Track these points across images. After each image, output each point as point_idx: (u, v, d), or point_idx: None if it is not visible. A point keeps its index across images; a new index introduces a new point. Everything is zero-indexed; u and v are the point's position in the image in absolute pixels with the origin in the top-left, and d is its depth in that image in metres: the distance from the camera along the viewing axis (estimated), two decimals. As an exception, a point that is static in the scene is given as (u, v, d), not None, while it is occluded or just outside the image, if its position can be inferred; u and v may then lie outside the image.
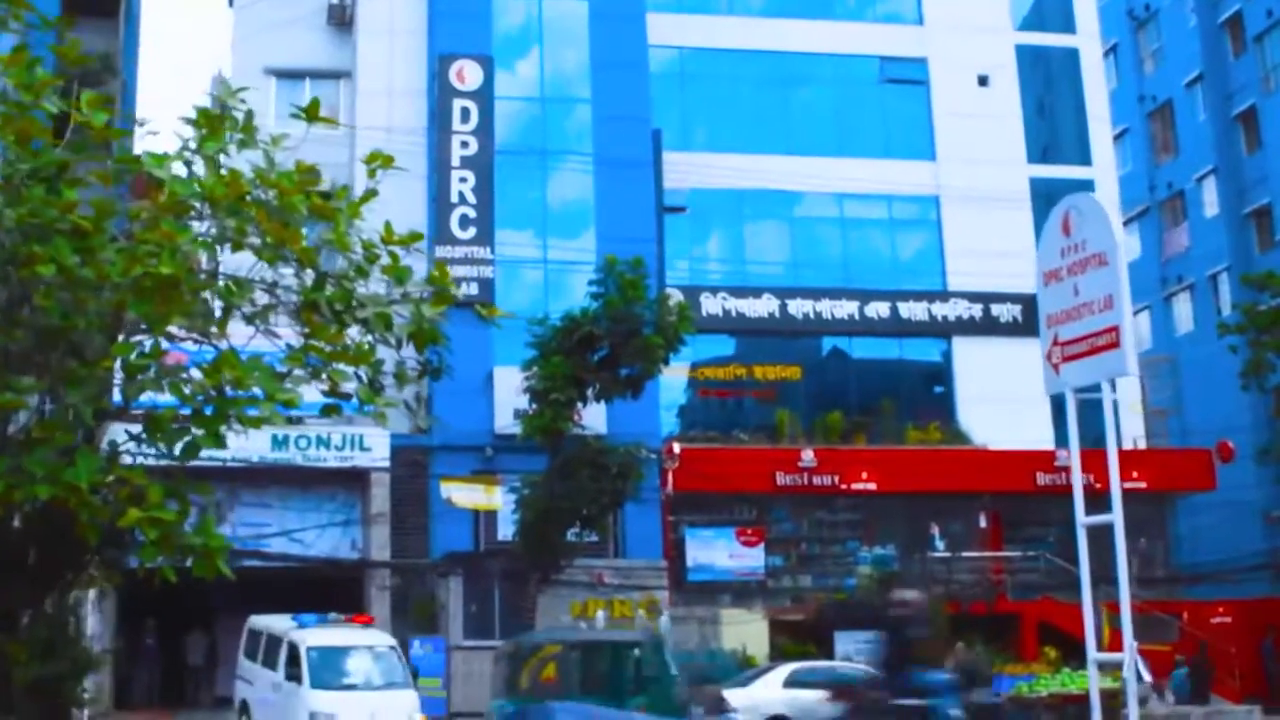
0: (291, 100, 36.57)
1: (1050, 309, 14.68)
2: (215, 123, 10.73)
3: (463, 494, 29.73)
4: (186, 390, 10.20)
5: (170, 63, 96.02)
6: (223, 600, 35.20)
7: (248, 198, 10.98)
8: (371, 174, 12.84)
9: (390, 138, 34.55)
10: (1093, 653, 14.62)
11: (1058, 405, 37.57)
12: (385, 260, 11.69)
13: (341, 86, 36.88)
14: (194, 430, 10.30)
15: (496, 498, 30.45)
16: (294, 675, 23.75)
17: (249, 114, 11.18)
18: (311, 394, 11.52)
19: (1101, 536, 37.69)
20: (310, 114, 11.97)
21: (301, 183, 11.57)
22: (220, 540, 10.34)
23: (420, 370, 12.69)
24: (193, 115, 10.71)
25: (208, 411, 10.22)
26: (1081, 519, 14.65)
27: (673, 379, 35.87)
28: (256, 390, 10.26)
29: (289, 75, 36.79)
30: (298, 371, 11.42)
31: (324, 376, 11.82)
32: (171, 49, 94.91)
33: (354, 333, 11.96)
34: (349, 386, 12.05)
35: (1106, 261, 14.02)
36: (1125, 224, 52.61)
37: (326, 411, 12.30)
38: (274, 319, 11.86)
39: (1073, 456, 14.84)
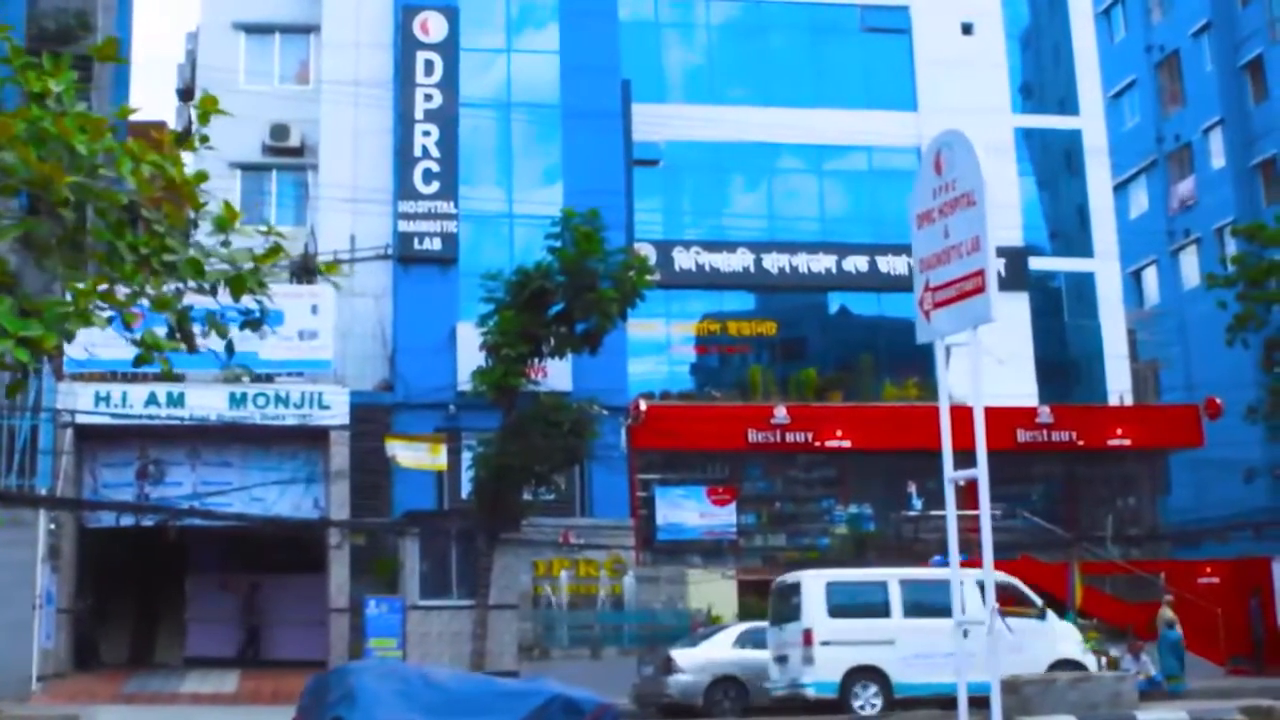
0: (261, 56, 36.43)
1: (922, 252, 14.01)
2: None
3: (408, 453, 29.26)
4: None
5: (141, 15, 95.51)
6: (192, 559, 35.18)
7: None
8: (203, 120, 12.22)
9: (357, 91, 34.12)
10: (958, 615, 13.94)
11: (1041, 361, 37.09)
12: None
13: (311, 40, 36.31)
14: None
15: (442, 457, 29.97)
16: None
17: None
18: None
19: (1085, 494, 37.00)
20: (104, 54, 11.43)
21: (88, 123, 10.91)
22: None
23: (247, 322, 12.00)
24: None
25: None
26: (949, 474, 13.98)
27: (653, 335, 35.41)
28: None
29: (258, 30, 36.29)
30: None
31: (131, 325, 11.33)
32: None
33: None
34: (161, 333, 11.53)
35: (974, 201, 13.31)
36: (1133, 177, 51.63)
37: (138, 361, 11.78)
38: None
39: (942, 410, 14.17)
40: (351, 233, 33.55)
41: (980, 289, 13.23)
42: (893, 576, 23.89)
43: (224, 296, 11.31)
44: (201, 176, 11.43)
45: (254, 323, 11.80)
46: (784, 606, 23.63)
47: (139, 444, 31.74)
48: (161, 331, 11.43)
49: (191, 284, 11.33)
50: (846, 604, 23.05)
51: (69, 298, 10.91)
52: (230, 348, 11.52)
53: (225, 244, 11.36)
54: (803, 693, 22.51)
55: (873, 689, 22.38)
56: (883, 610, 23.07)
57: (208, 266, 11.18)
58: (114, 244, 10.85)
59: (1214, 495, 40.97)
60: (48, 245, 11.04)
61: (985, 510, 13.31)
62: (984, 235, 13.23)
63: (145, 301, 11.24)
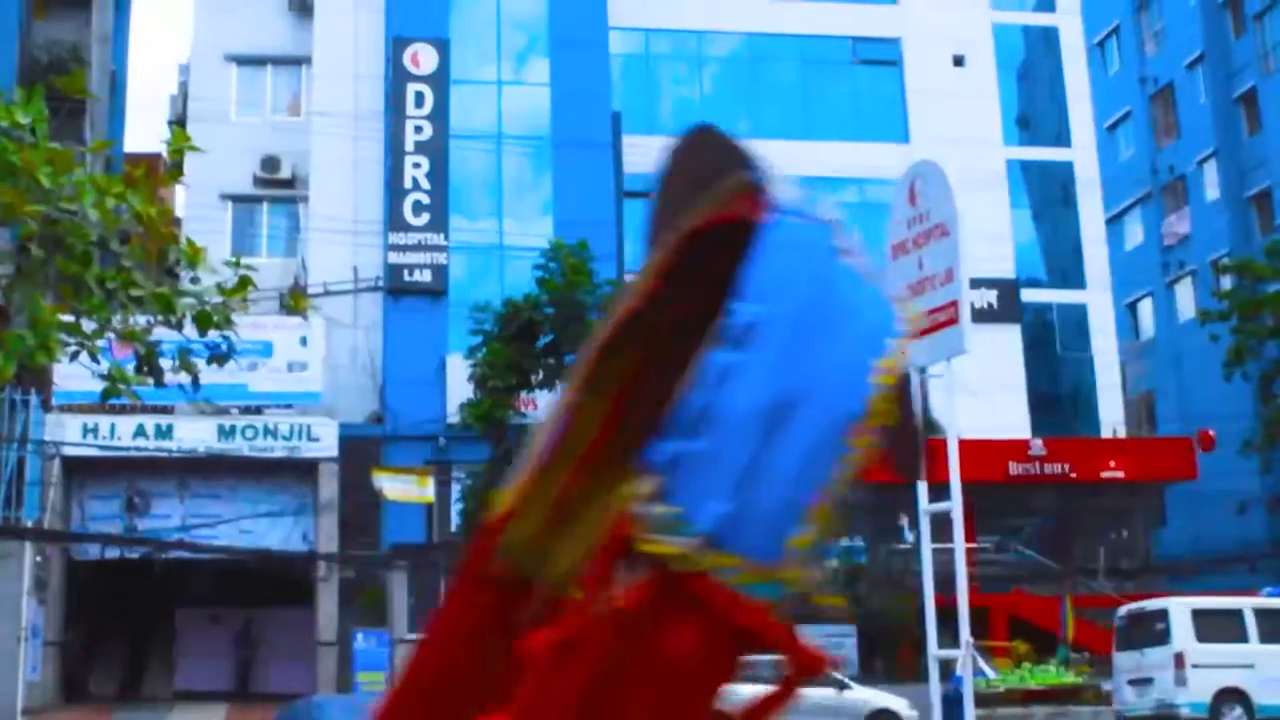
0: (252, 87, 36.48)
1: (897, 284, 13.89)
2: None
3: (395, 486, 29.12)
4: None
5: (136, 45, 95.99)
6: (181, 591, 35.03)
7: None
8: (174, 155, 12.27)
9: (347, 123, 34.15)
10: (933, 649, 13.79)
11: (1034, 393, 37.01)
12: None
13: (303, 72, 36.35)
14: None
15: (429, 490, 29.84)
16: None
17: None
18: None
19: (1078, 527, 36.69)
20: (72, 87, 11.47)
21: (55, 156, 10.94)
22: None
23: (213, 357, 11.96)
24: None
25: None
26: (924, 506, 13.83)
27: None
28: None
29: (249, 61, 36.33)
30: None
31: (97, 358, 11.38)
32: (136, 31, 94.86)
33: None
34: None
35: (948, 232, 13.24)
36: (1127, 209, 51.63)
37: (105, 395, 11.80)
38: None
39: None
40: (354, 264, 33.59)
41: (954, 320, 13.10)
42: (1247, 605, 25.37)
43: (191, 330, 11.31)
44: (166, 211, 11.43)
45: (220, 357, 11.78)
46: (1140, 632, 25.03)
47: (127, 476, 31.64)
48: (130, 365, 11.45)
49: (160, 318, 11.34)
50: (1210, 630, 24.41)
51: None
52: (196, 382, 11.51)
53: (194, 280, 11.36)
54: (1176, 713, 23.94)
55: (1238, 710, 23.88)
56: (1241, 635, 24.39)
57: (175, 301, 11.18)
58: (80, 277, 10.86)
59: (1210, 528, 40.76)
60: (12, 277, 11.04)
61: (959, 544, 13.15)
62: (958, 266, 13.14)
63: (112, 335, 11.26)
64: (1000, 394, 35.29)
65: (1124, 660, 25.25)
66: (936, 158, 14.61)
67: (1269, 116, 45.99)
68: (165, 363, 11.32)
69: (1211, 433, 35.18)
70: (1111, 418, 37.12)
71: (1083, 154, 39.11)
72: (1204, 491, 38.16)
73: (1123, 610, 26.25)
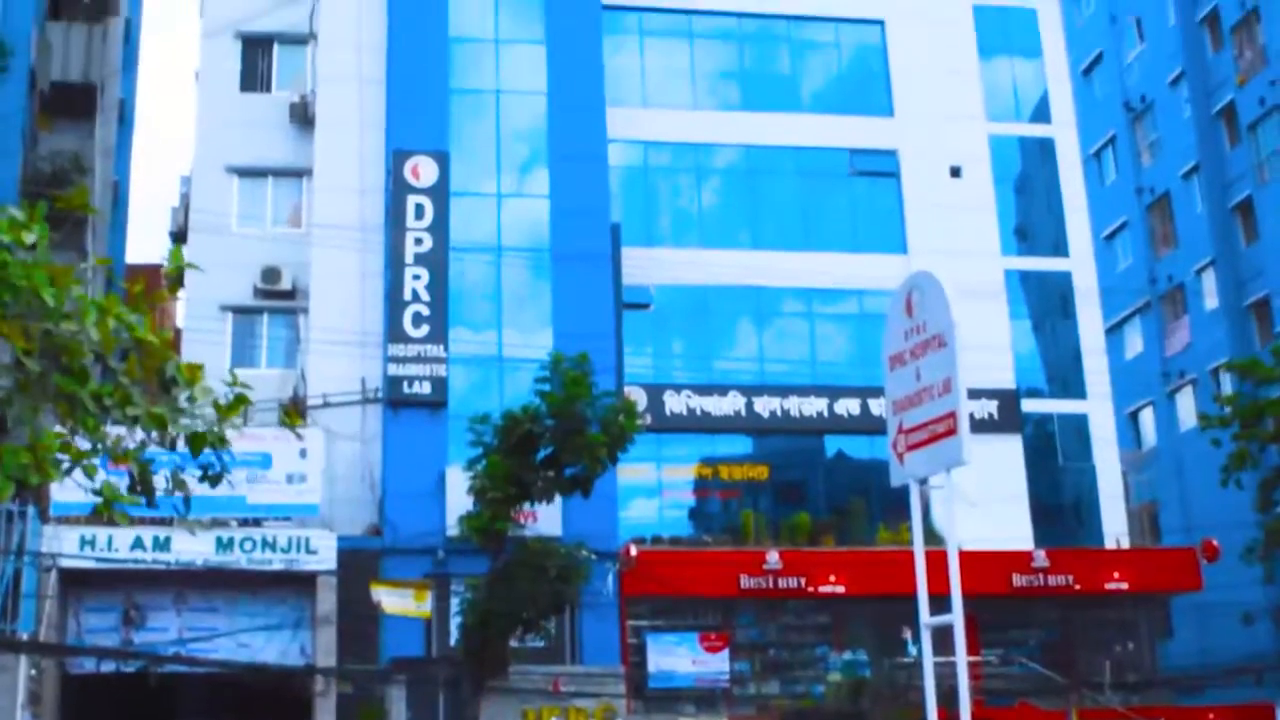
0: (253, 199, 36.69)
1: (895, 395, 13.89)
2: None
3: (393, 599, 28.89)
4: None
5: (139, 157, 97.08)
6: (178, 705, 34.66)
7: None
8: (173, 272, 12.37)
9: (349, 235, 34.33)
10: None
11: (1037, 504, 36.80)
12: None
13: (304, 183, 36.53)
14: None
15: (427, 604, 29.60)
16: None
17: None
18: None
19: (1083, 639, 36.42)
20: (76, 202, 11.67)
21: (56, 273, 10.99)
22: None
23: (206, 476, 11.91)
24: None
25: None
26: (925, 620, 13.69)
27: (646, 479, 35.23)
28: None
29: (251, 174, 36.52)
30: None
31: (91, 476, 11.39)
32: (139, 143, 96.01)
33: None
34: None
35: (945, 343, 13.24)
36: (1127, 318, 51.78)
37: (96, 511, 11.78)
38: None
39: (916, 554, 13.92)
40: (355, 376, 33.55)
41: (952, 431, 13.09)
42: None
43: (184, 448, 11.34)
44: (164, 338, 11.51)
45: (214, 477, 11.77)
46: None
47: (124, 588, 31.39)
48: (122, 483, 11.45)
49: (154, 437, 11.38)
50: None
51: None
52: (188, 502, 11.53)
53: (191, 399, 11.39)
54: None
55: None
56: None
57: (171, 420, 11.20)
58: (77, 393, 10.88)
59: (1217, 639, 40.43)
60: (10, 393, 11.04)
61: (962, 657, 13.01)
62: (955, 377, 13.14)
63: (105, 454, 11.29)
64: (1002, 505, 35.16)
65: None
66: (935, 268, 14.67)
67: (1265, 225, 46.26)
68: (159, 480, 11.32)
69: (1216, 543, 34.90)
70: (1115, 528, 36.89)
71: (1081, 264, 39.21)
72: (1210, 602, 37.86)
73: None
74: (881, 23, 39.82)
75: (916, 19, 39.74)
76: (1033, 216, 40.41)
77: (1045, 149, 40.08)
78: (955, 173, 38.51)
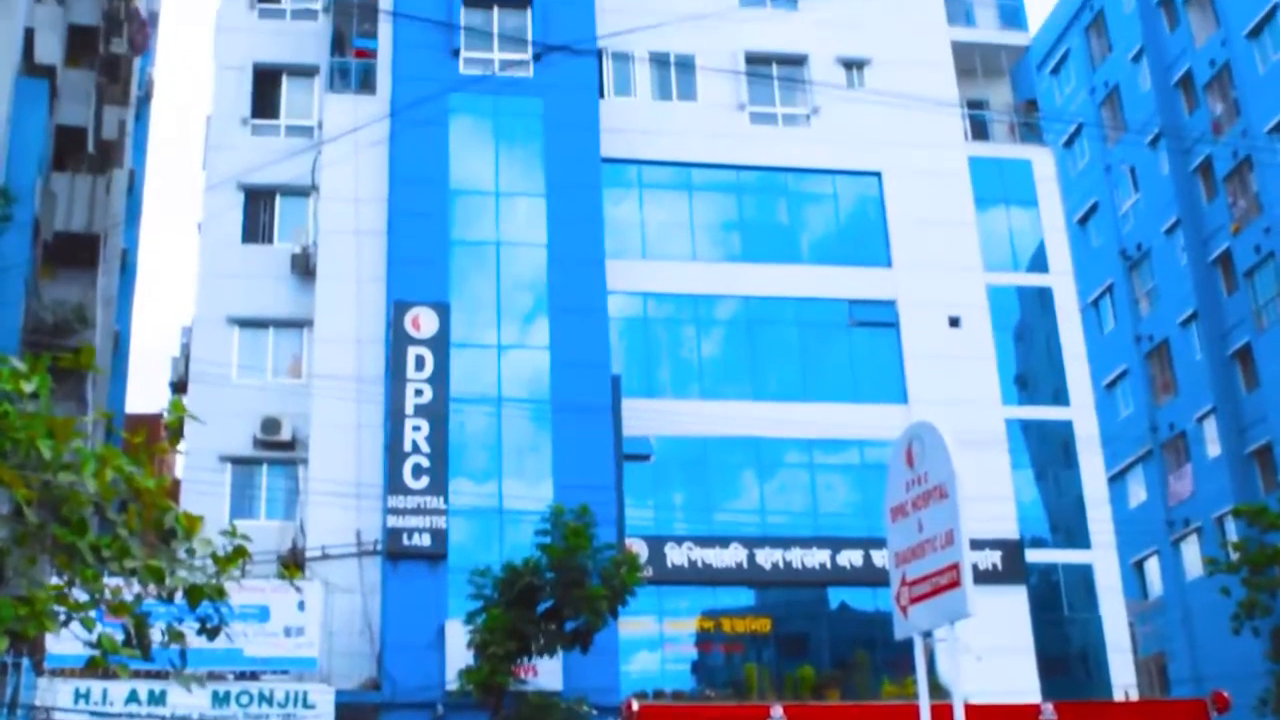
0: (254, 350, 36.75)
1: (897, 546, 13.74)
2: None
3: (390, 755, 28.46)
4: None
5: (140, 307, 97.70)
6: None
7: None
8: (173, 424, 12.39)
9: (349, 386, 34.33)
10: None
11: (1042, 656, 36.33)
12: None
13: (305, 334, 36.60)
14: None
15: (425, 760, 29.17)
16: None
17: None
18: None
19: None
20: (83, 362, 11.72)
21: (55, 426, 11.02)
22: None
23: (204, 628, 11.80)
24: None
25: None
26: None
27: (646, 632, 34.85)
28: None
29: (251, 324, 36.60)
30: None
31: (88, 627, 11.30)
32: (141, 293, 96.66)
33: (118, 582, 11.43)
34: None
35: (947, 494, 13.12)
36: (1129, 466, 51.60)
37: (93, 663, 11.69)
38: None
39: (922, 708, 13.65)
40: (353, 528, 33.34)
41: (956, 583, 12.91)
42: None
43: (181, 600, 11.26)
44: (162, 484, 11.48)
45: (213, 630, 11.66)
46: None
47: (119, 744, 30.93)
48: (119, 635, 11.36)
49: (151, 589, 11.31)
50: None
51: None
52: (184, 655, 11.42)
53: (190, 551, 11.34)
54: None
55: None
56: None
57: (169, 573, 11.15)
58: (75, 544, 10.85)
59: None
60: (8, 543, 11.00)
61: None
62: (958, 528, 12.99)
63: (102, 606, 11.22)
64: (1008, 657, 34.70)
65: None
66: (936, 418, 14.65)
67: (1265, 372, 46.32)
68: (155, 633, 11.22)
69: (1226, 694, 34.38)
70: (1123, 679, 36.35)
71: (1082, 413, 39.13)
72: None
73: None
74: (879, 174, 40.19)
75: (913, 171, 40.11)
76: (1032, 365, 40.44)
77: (1044, 298, 40.23)
78: (954, 322, 38.59)
